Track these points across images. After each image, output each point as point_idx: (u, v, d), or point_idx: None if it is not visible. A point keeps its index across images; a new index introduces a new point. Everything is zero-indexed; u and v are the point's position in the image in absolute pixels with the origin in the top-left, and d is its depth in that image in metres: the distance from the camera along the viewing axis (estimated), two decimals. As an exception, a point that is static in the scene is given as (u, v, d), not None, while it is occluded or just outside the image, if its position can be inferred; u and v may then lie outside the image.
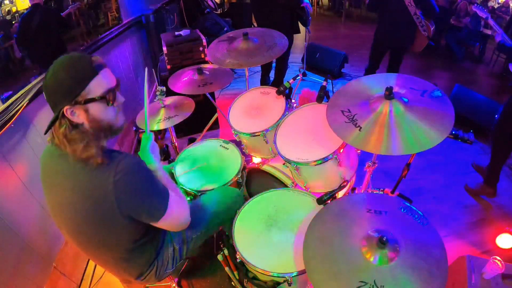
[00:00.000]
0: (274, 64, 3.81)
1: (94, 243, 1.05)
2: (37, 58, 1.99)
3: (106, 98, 0.93)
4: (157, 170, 1.14)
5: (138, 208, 0.96)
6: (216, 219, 1.42)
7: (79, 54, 0.93)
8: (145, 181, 0.97)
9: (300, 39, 3.71)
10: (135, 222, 0.99)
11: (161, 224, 1.03)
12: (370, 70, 3.44)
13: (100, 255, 1.11)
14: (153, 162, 1.15)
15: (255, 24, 4.52)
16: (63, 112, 0.89)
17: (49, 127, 0.94)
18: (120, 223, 0.96)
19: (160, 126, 1.87)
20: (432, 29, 3.08)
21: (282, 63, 3.58)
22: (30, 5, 1.88)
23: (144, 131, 1.22)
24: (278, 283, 1.22)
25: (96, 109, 0.93)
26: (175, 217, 1.07)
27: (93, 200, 0.92)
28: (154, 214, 1.00)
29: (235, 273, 1.38)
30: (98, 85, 0.91)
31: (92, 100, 0.91)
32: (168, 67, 2.86)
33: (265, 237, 1.31)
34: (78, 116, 0.91)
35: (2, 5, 1.72)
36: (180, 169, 1.79)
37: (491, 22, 2.48)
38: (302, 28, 3.49)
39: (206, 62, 2.85)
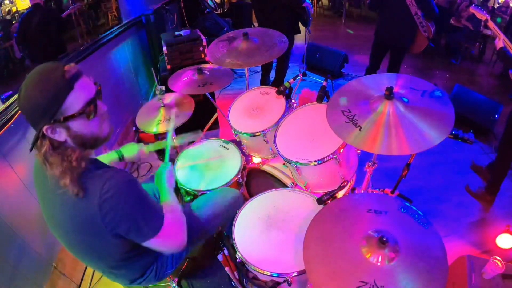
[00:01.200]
0: (274, 64, 3.81)
1: (87, 255, 1.04)
2: (36, 57, 1.99)
3: (86, 112, 0.86)
4: (168, 198, 1.16)
5: (125, 228, 0.91)
6: (217, 219, 1.42)
7: (50, 66, 0.86)
8: (133, 202, 0.91)
9: (300, 39, 3.71)
10: (125, 239, 0.97)
11: (150, 245, 0.97)
12: (371, 69, 3.44)
13: (95, 263, 1.10)
14: (165, 189, 1.18)
15: (255, 24, 4.52)
16: (43, 132, 0.84)
17: (33, 146, 0.89)
18: (110, 240, 0.94)
19: (159, 128, 1.85)
20: (432, 30, 3.08)
21: (283, 63, 3.58)
22: (30, 5, 1.88)
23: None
24: (278, 283, 1.22)
25: (77, 125, 0.87)
26: (167, 241, 1.02)
27: (80, 219, 0.89)
28: (142, 236, 0.95)
29: (235, 273, 1.38)
30: (75, 100, 0.84)
31: (72, 117, 0.84)
32: (168, 67, 2.86)
33: (265, 237, 1.31)
34: (60, 134, 0.86)
35: (2, 5, 1.72)
36: (180, 170, 1.79)
37: (491, 24, 2.34)
38: (302, 28, 3.49)
39: (206, 62, 2.85)
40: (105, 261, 1.05)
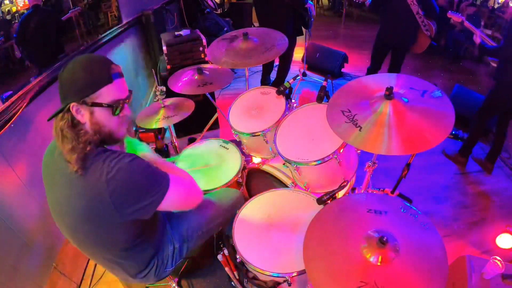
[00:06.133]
0: (276, 64, 3.81)
1: (91, 241, 1.05)
2: (35, 58, 1.99)
3: (113, 107, 0.95)
4: (148, 154, 1.20)
5: (134, 204, 0.94)
6: (218, 218, 1.43)
7: (102, 57, 0.97)
8: (140, 178, 0.94)
9: (300, 39, 3.72)
10: (131, 220, 0.99)
11: (164, 208, 1.01)
12: (372, 70, 3.44)
13: (97, 253, 1.11)
14: (144, 148, 1.23)
15: (255, 24, 4.51)
16: (69, 107, 0.91)
17: (53, 116, 0.96)
18: (117, 222, 0.96)
19: (158, 124, 1.86)
20: (434, 28, 3.08)
21: (285, 63, 3.57)
22: (29, 6, 1.87)
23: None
24: (278, 283, 1.22)
25: (101, 114, 0.94)
26: (181, 197, 1.07)
27: (88, 199, 0.92)
28: (151, 207, 0.98)
29: (235, 273, 1.38)
30: (109, 93, 0.93)
31: (99, 105, 0.93)
32: (168, 67, 2.86)
33: (265, 237, 1.31)
34: (83, 115, 0.93)
35: (2, 5, 1.72)
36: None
37: (467, 24, 2.58)
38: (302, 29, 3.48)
39: (206, 62, 2.85)
40: (109, 248, 1.06)
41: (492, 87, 2.52)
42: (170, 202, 1.02)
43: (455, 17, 2.66)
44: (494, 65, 2.62)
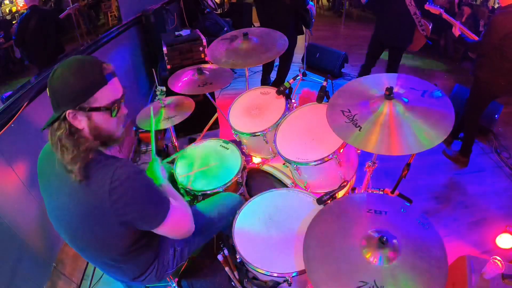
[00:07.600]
0: (276, 64, 3.81)
1: (91, 247, 1.04)
2: (35, 59, 1.99)
3: (111, 109, 0.92)
4: (164, 187, 1.19)
5: (134, 216, 0.93)
6: (219, 222, 1.43)
7: (91, 58, 0.92)
8: (142, 189, 0.94)
9: (300, 39, 3.72)
10: (132, 228, 0.98)
11: (160, 232, 1.01)
12: (366, 67, 3.45)
13: (97, 258, 1.10)
14: (161, 180, 1.21)
15: (255, 24, 4.51)
16: (65, 115, 0.87)
17: (47, 125, 0.92)
18: (116, 229, 0.95)
19: (160, 126, 1.87)
20: (430, 27, 3.09)
21: (285, 63, 3.57)
22: (27, 6, 1.87)
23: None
24: (278, 283, 1.22)
25: (99, 118, 0.91)
26: (175, 225, 1.06)
27: (88, 206, 0.90)
28: (151, 222, 0.98)
29: (235, 273, 1.38)
30: (105, 95, 0.90)
31: (97, 109, 0.89)
32: (168, 67, 2.86)
33: (265, 237, 1.31)
34: (80, 121, 0.90)
35: (2, 5, 1.72)
36: (180, 170, 1.79)
37: (446, 16, 2.58)
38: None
39: (206, 62, 2.85)
40: (109, 253, 1.06)
41: (471, 83, 2.54)
42: (165, 227, 1.00)
43: (433, 9, 2.65)
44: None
